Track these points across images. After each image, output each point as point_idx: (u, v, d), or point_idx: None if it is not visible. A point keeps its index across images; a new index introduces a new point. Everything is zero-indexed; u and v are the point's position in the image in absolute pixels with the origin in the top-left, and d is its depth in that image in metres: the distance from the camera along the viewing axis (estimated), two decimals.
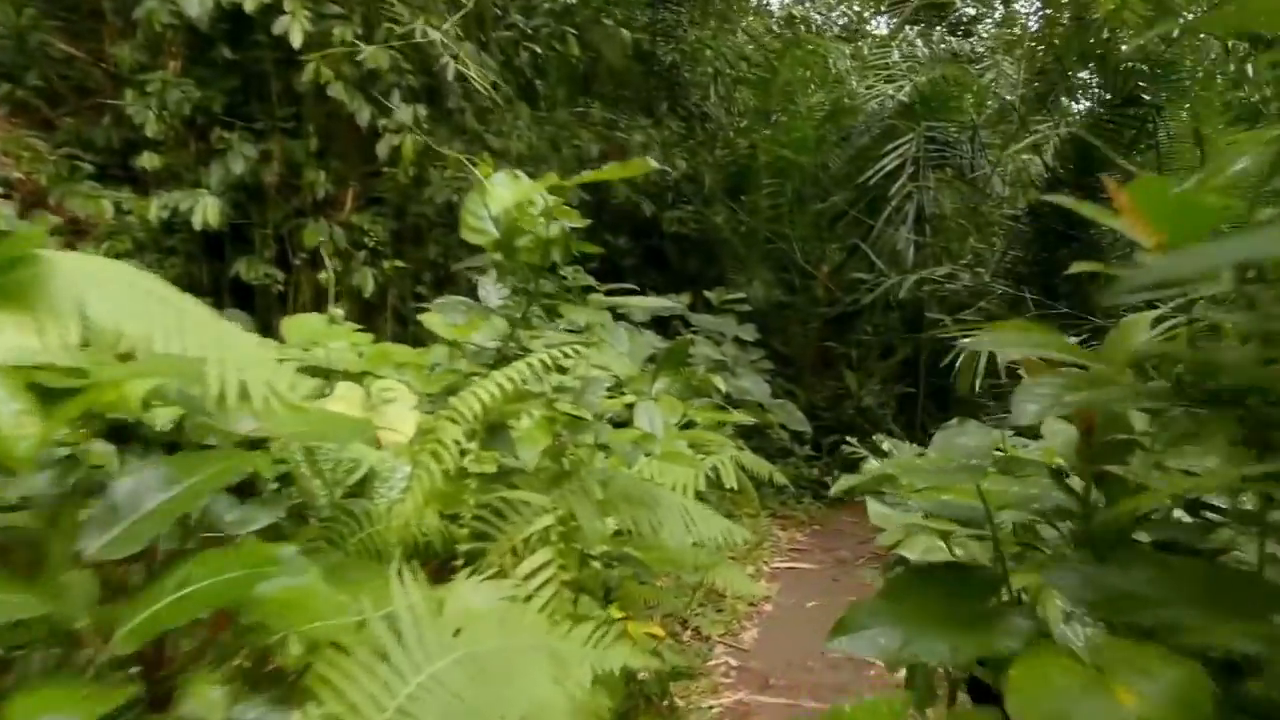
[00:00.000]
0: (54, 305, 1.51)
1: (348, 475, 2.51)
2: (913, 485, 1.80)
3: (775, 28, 12.10)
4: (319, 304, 6.16)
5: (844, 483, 1.85)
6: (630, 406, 4.45)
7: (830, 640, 1.54)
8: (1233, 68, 9.34)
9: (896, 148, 9.16)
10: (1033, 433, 4.48)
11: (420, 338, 5.02)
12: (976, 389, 6.59)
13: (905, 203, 9.17)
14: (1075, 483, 2.02)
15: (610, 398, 4.12)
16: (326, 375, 3.63)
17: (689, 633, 4.59)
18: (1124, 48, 8.65)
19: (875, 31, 13.53)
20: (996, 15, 13.90)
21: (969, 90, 10.01)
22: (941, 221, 10.09)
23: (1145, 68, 8.41)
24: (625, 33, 8.72)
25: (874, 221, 9.44)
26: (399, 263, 6.59)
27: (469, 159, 4.01)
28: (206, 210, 5.63)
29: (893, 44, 12.20)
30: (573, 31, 7.88)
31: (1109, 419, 1.99)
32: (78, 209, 5.67)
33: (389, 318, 6.74)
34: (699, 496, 3.84)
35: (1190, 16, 8.55)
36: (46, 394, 1.57)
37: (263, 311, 6.22)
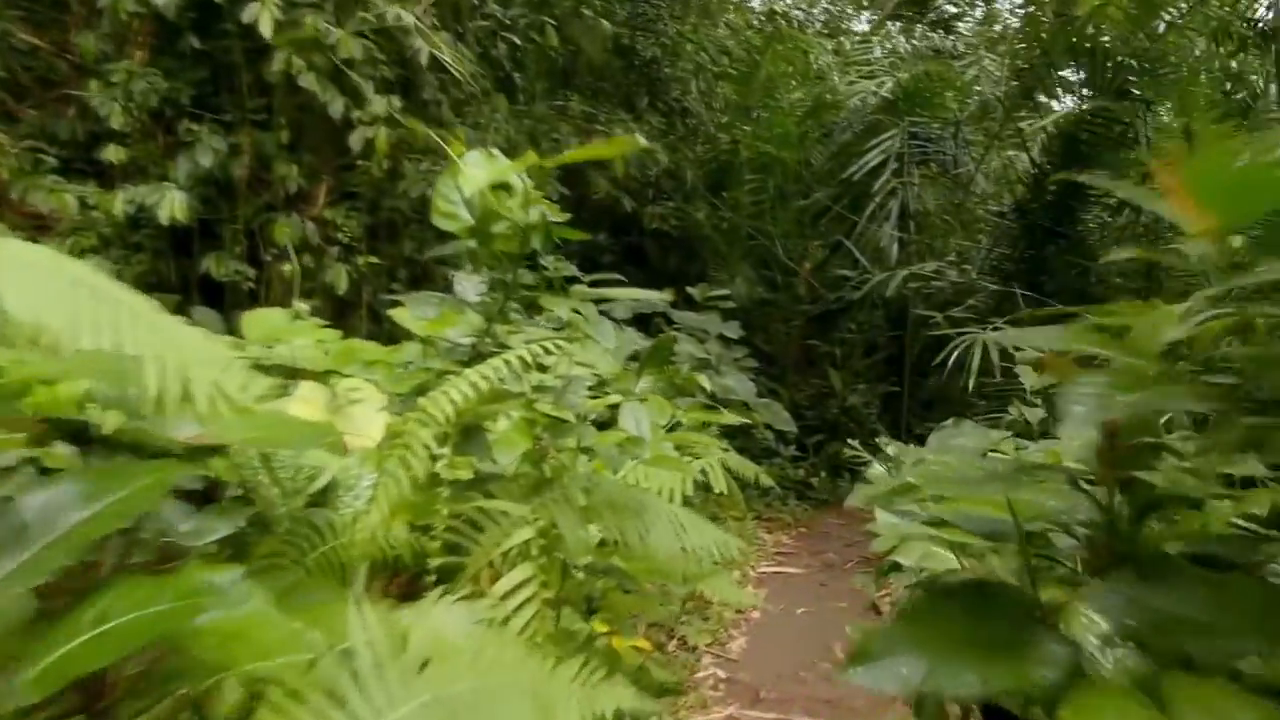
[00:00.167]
0: None
1: (309, 483, 2.31)
2: (936, 496, 1.63)
3: (756, 23, 11.97)
4: (291, 301, 5.98)
5: (862, 496, 1.69)
6: (614, 407, 4.25)
7: (846, 670, 1.38)
8: (1216, 64, 9.30)
9: (880, 143, 9.09)
10: (1032, 434, 4.32)
11: (395, 336, 4.88)
12: (970, 388, 6.46)
13: (889, 199, 9.08)
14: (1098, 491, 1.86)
15: (594, 397, 3.93)
16: (293, 375, 3.44)
17: (674, 642, 4.41)
18: (1104, 40, 8.57)
19: (856, 28, 13.48)
20: (978, 13, 13.89)
21: (952, 86, 9.91)
22: (925, 218, 9.99)
23: (1134, 62, 8.31)
24: (605, 24, 8.57)
25: (857, 218, 9.34)
26: (373, 259, 6.46)
27: (440, 135, 3.81)
28: (174, 205, 5.48)
29: (874, 39, 12.15)
30: (551, 22, 7.74)
31: (1137, 421, 1.84)
32: (41, 204, 5.50)
33: (364, 315, 6.58)
34: (685, 501, 3.67)
35: (1174, 12, 8.50)
36: None
37: (233, 309, 6.03)
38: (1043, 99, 10.02)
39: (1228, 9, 8.52)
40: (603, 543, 2.61)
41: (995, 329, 6.65)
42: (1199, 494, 1.92)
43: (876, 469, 2.74)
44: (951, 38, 13.15)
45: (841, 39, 12.77)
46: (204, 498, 2.57)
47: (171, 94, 5.73)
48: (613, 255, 9.26)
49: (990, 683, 1.40)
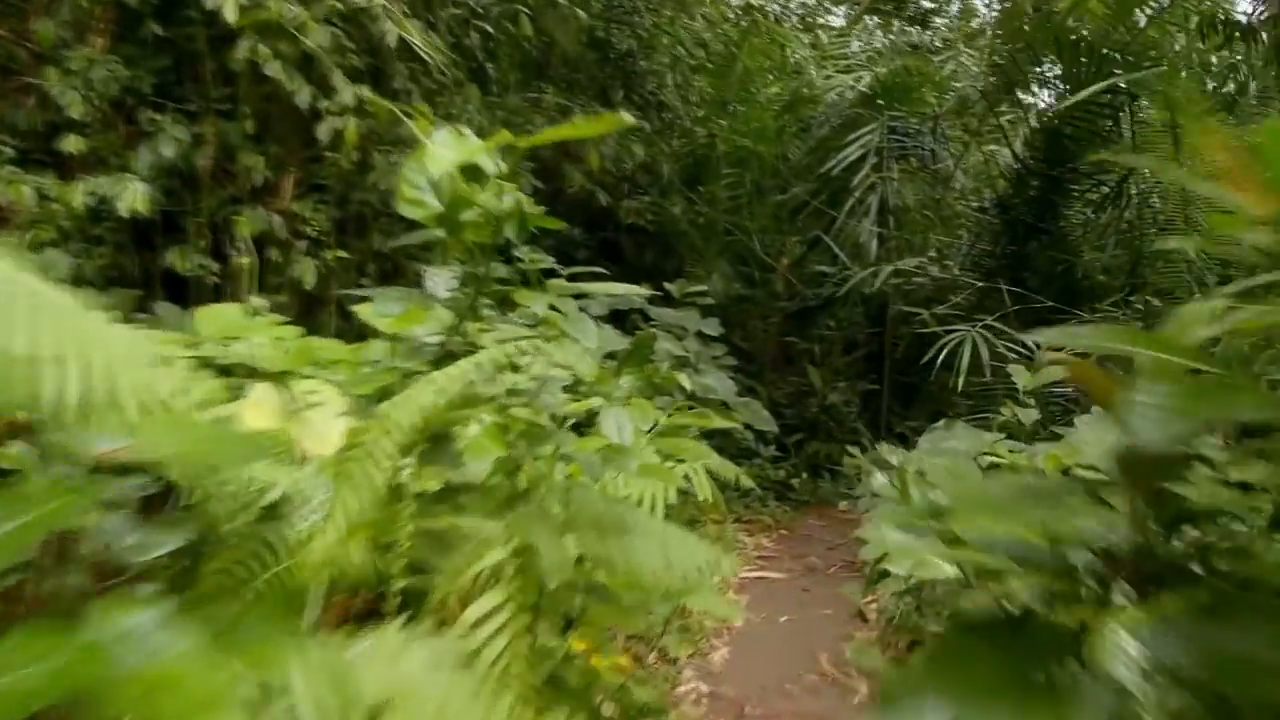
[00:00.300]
0: None
1: (259, 496, 2.11)
2: (972, 522, 1.45)
3: (733, 16, 11.83)
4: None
5: (879, 526, 1.51)
6: (594, 411, 4.05)
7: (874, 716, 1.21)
8: (1194, 58, 9.25)
9: (859, 138, 8.97)
10: (1025, 435, 4.15)
11: (365, 333, 4.70)
12: (957, 387, 6.33)
13: (868, 194, 8.97)
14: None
15: (575, 399, 3.73)
16: (251, 375, 3.23)
17: (655, 654, 4.23)
18: (1084, 33, 8.49)
19: (834, 23, 13.41)
20: (954, 8, 13.89)
21: (930, 81, 9.81)
22: (905, 214, 9.89)
23: (1118, 55, 8.21)
24: (580, 14, 8.39)
25: (836, 213, 9.22)
26: (342, 253, 6.26)
27: (404, 110, 3.59)
28: (135, 197, 5.27)
29: (851, 34, 12.07)
30: (526, 12, 7.55)
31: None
32: None
33: (333, 312, 6.39)
34: (665, 507, 3.50)
35: (1155, 6, 8.44)
36: None
37: (197, 305, 5.82)
38: (1022, 95, 9.96)
39: (1209, 2, 8.46)
40: (581, 559, 2.42)
41: (985, 326, 6.54)
42: (1236, 508, 1.77)
43: (879, 479, 2.57)
44: (929, 32, 13.13)
45: (818, 33, 12.70)
46: (163, 499, 2.37)
47: (133, 82, 5.50)
48: (588, 250, 9.09)
49: None
